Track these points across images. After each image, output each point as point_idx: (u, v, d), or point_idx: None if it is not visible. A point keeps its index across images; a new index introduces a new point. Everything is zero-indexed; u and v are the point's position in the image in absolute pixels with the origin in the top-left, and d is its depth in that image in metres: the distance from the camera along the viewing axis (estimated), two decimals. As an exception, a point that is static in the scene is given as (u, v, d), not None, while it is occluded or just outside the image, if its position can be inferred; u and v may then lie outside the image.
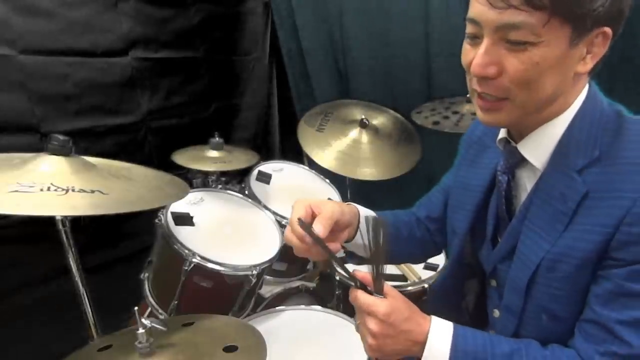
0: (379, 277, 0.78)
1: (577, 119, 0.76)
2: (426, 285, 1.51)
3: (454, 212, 1.00)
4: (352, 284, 0.82)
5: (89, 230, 1.66)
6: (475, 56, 0.72)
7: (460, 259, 1.00)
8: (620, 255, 0.68)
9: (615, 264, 0.69)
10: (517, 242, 0.82)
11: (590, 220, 0.71)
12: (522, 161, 0.82)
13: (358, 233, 0.97)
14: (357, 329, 0.81)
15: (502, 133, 0.87)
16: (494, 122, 0.78)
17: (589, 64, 0.72)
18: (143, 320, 0.79)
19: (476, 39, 0.74)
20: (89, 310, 1.06)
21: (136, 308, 0.81)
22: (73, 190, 0.83)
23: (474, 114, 1.61)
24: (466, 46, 0.77)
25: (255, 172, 1.70)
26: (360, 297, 0.79)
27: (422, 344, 0.76)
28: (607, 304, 0.70)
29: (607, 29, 0.69)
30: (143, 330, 0.77)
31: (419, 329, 0.77)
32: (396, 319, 0.75)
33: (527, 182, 0.83)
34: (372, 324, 0.75)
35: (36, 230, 1.48)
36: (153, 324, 0.80)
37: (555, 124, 0.77)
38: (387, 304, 0.75)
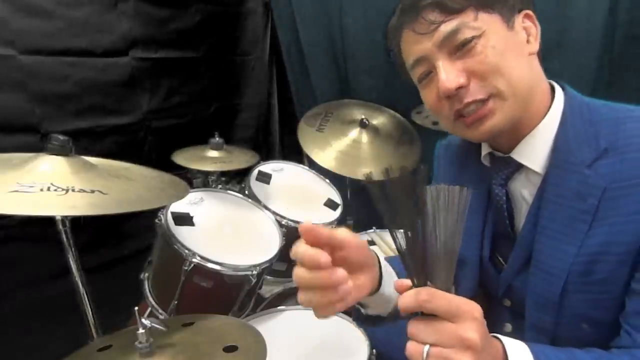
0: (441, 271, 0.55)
1: (565, 117, 0.76)
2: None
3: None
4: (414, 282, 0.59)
5: (89, 230, 1.66)
6: (438, 87, 0.74)
7: (475, 289, 0.92)
8: None
9: None
10: (530, 254, 0.78)
11: (620, 211, 0.68)
12: (514, 171, 0.81)
13: (382, 284, 0.83)
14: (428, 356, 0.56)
15: (485, 149, 0.86)
16: (492, 130, 0.75)
17: (534, 44, 0.77)
18: (143, 320, 0.79)
19: (430, 74, 0.77)
20: (89, 310, 1.06)
21: (136, 308, 0.81)
22: (73, 190, 0.83)
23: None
24: (424, 92, 0.80)
25: (255, 172, 1.70)
26: (441, 296, 0.56)
27: None
28: None
29: (529, 11, 0.76)
30: (143, 330, 0.77)
31: (496, 349, 0.62)
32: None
33: (523, 191, 0.81)
34: (471, 331, 0.54)
35: (36, 230, 1.48)
36: (153, 324, 0.80)
37: (544, 128, 0.77)
38: (476, 305, 0.57)
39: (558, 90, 0.79)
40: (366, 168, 1.85)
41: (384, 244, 1.79)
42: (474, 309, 0.56)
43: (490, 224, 0.88)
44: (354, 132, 1.94)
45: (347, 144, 1.91)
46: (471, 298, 0.58)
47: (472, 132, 0.77)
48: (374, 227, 1.91)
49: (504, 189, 0.83)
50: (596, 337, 0.73)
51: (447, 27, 0.72)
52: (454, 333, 0.54)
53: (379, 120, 1.99)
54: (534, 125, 0.77)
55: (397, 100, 2.10)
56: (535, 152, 0.77)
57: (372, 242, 1.84)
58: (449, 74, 0.72)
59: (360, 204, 2.24)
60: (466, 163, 0.94)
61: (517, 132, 0.78)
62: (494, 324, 0.88)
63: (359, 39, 2.10)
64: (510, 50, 0.72)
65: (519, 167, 0.80)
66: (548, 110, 0.77)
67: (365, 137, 1.93)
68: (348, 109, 2.02)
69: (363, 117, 1.95)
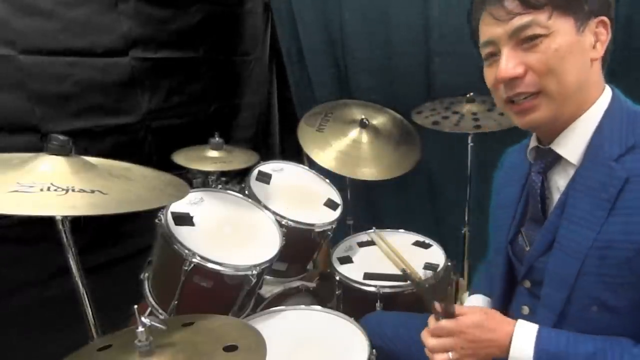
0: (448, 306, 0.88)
1: (606, 116, 0.81)
2: (426, 285, 1.51)
3: (496, 232, 1.03)
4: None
5: (89, 230, 1.66)
6: (498, 70, 0.80)
7: (505, 276, 1.00)
8: None
9: None
10: (554, 237, 0.84)
11: (638, 203, 0.73)
12: (554, 162, 0.86)
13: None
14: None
15: (533, 142, 0.92)
16: (533, 122, 0.82)
17: (600, 50, 0.80)
18: (143, 319, 0.79)
19: (494, 57, 0.83)
20: (89, 310, 1.06)
21: (135, 306, 0.81)
22: (73, 190, 0.83)
23: (475, 114, 1.66)
24: (486, 70, 0.86)
25: (255, 172, 1.70)
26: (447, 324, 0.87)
27: (507, 347, 0.80)
28: None
29: (604, 18, 0.79)
30: (142, 329, 0.77)
31: (503, 333, 0.81)
32: (478, 331, 0.83)
33: (559, 182, 0.87)
34: (472, 330, 0.83)
35: (36, 230, 1.48)
36: (153, 323, 0.80)
37: (584, 121, 0.82)
38: (468, 320, 0.84)
39: (607, 92, 0.83)
40: (366, 168, 1.85)
41: (384, 243, 1.79)
42: (468, 319, 0.84)
43: (518, 216, 0.96)
44: (354, 132, 1.94)
45: (347, 144, 1.91)
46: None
47: (518, 120, 0.84)
48: (374, 227, 1.91)
49: (540, 176, 0.89)
50: (604, 323, 0.78)
51: (521, 19, 0.77)
52: (461, 336, 0.84)
53: (379, 120, 2.00)
54: (576, 117, 0.82)
55: (397, 100, 2.10)
56: (572, 144, 0.83)
57: (372, 242, 1.84)
58: (509, 62, 0.79)
59: (360, 204, 2.25)
60: (516, 164, 1.01)
61: (559, 126, 0.84)
62: (513, 306, 0.96)
63: (359, 39, 2.11)
64: (571, 54, 0.77)
65: (558, 158, 0.85)
66: (593, 102, 0.82)
67: (365, 137, 1.93)
68: (348, 109, 2.02)
69: (363, 117, 1.95)
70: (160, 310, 1.33)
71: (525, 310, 0.92)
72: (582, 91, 0.80)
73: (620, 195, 0.74)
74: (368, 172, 1.84)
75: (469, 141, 1.83)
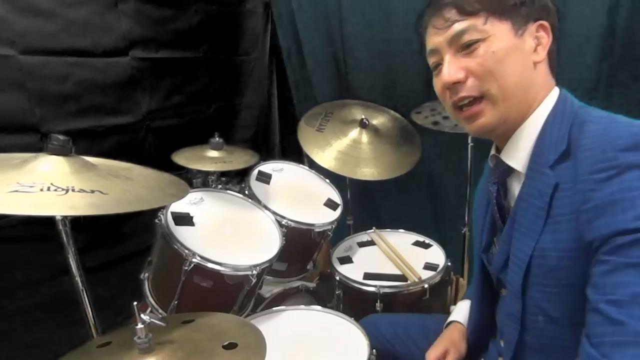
0: None
1: (548, 120, 0.80)
2: (426, 285, 1.51)
3: (474, 240, 1.06)
4: None
5: (89, 230, 1.66)
6: (440, 76, 0.82)
7: (482, 285, 1.02)
8: (591, 236, 0.67)
9: (593, 247, 0.68)
10: (509, 248, 0.84)
11: (564, 210, 0.73)
12: (509, 169, 0.86)
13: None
14: None
15: (492, 150, 0.92)
16: (481, 128, 0.83)
17: (542, 53, 0.81)
18: (142, 316, 0.79)
19: (439, 65, 0.84)
20: (89, 310, 1.06)
21: (135, 303, 0.81)
22: (73, 190, 0.83)
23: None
24: (434, 80, 0.88)
25: (255, 172, 1.70)
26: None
27: None
28: (597, 287, 0.67)
29: (544, 22, 0.81)
30: (142, 326, 0.77)
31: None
32: None
33: (516, 190, 0.86)
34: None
35: (36, 230, 1.48)
36: (152, 320, 0.80)
37: (529, 126, 0.82)
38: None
39: (553, 94, 0.83)
40: (366, 168, 1.85)
41: (384, 243, 1.79)
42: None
43: (487, 225, 0.95)
44: (354, 132, 1.94)
45: (347, 144, 1.91)
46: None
47: (468, 127, 0.85)
48: (373, 227, 1.91)
49: (496, 186, 0.89)
50: (551, 334, 0.79)
51: (458, 26, 0.79)
52: None
53: (379, 120, 2.00)
54: (523, 120, 0.82)
55: (397, 100, 2.10)
56: (518, 152, 0.83)
57: (372, 242, 1.84)
58: (450, 68, 0.81)
59: (360, 204, 2.25)
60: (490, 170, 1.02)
61: (508, 131, 0.84)
62: (498, 313, 0.98)
63: (359, 39, 2.11)
64: (510, 57, 0.78)
65: (509, 167, 0.85)
66: (539, 104, 0.82)
67: (365, 137, 1.93)
68: (348, 109, 2.02)
69: (363, 117, 1.95)
70: (161, 310, 1.33)
71: (503, 321, 0.94)
72: (526, 94, 0.80)
73: (552, 203, 0.74)
74: (368, 172, 1.84)
75: (469, 141, 1.83)
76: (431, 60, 0.88)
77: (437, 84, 0.86)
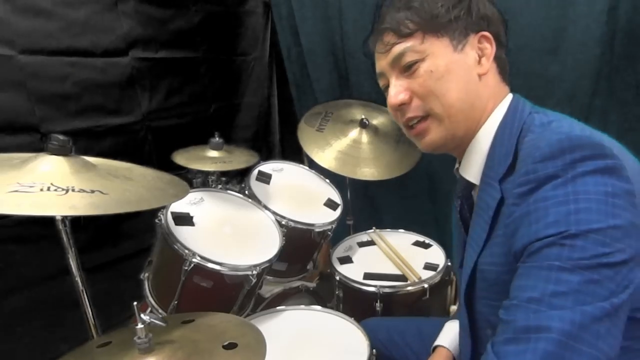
0: None
1: (499, 132, 0.80)
2: (426, 285, 1.51)
3: (453, 255, 1.06)
4: None
5: (89, 230, 1.66)
6: (388, 99, 0.84)
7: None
8: (514, 249, 0.67)
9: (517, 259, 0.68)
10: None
11: (501, 224, 0.73)
12: (471, 182, 0.86)
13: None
14: None
15: (456, 164, 0.92)
16: (430, 145, 0.85)
17: (486, 64, 0.80)
18: (142, 315, 0.79)
19: (388, 87, 0.86)
20: (89, 310, 1.06)
21: (135, 303, 0.81)
22: (73, 190, 0.83)
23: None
24: (387, 101, 0.87)
25: (255, 172, 1.70)
26: None
27: None
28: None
29: (486, 33, 0.80)
30: (142, 326, 0.77)
31: None
32: None
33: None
34: None
35: (36, 230, 1.48)
36: (152, 320, 0.80)
37: (480, 139, 0.82)
38: None
39: (504, 103, 0.82)
40: (366, 168, 1.85)
41: (384, 243, 1.79)
42: None
43: (460, 241, 0.96)
44: (354, 132, 1.94)
45: (347, 144, 1.91)
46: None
47: (418, 144, 0.87)
48: (373, 227, 1.91)
49: (459, 200, 0.91)
50: None
51: (397, 49, 0.81)
52: None
53: (379, 120, 2.00)
54: (474, 133, 0.83)
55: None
56: (473, 166, 0.84)
57: (372, 242, 1.84)
58: (394, 90, 0.83)
59: (360, 204, 2.25)
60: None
61: (462, 145, 0.84)
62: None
63: (359, 39, 2.10)
64: (451, 73, 0.79)
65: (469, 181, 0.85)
66: (488, 115, 0.82)
67: (365, 137, 1.93)
68: (348, 109, 2.02)
69: (363, 117, 1.95)
70: (161, 310, 1.33)
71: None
72: (473, 107, 0.80)
73: (496, 217, 0.74)
74: (368, 172, 1.84)
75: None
76: (381, 83, 0.89)
77: (388, 105, 0.87)
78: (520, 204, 0.67)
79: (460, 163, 0.89)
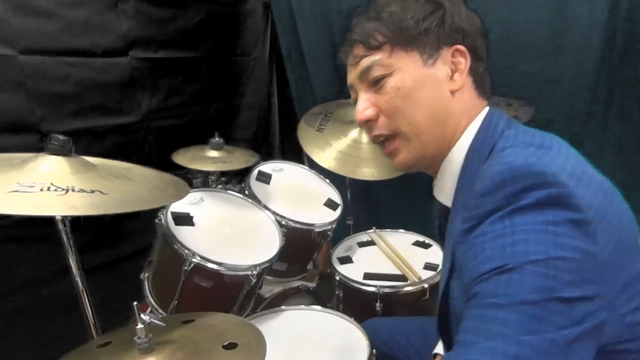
0: None
1: (469, 153, 0.75)
2: (426, 285, 1.51)
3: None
4: None
5: (89, 230, 1.66)
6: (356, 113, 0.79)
7: None
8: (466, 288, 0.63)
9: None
10: None
11: (458, 255, 0.68)
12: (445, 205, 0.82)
13: None
14: None
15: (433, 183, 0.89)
16: (404, 165, 0.80)
17: (459, 80, 0.75)
18: (142, 315, 0.79)
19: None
20: (89, 310, 1.06)
21: (135, 303, 0.81)
22: (73, 190, 0.83)
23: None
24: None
25: (255, 172, 1.70)
26: None
27: None
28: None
29: (460, 46, 0.74)
30: (142, 326, 0.77)
31: None
32: None
33: None
34: None
35: (36, 230, 1.48)
36: (152, 320, 0.80)
37: (452, 159, 0.77)
38: None
39: (476, 122, 0.76)
40: (366, 168, 1.85)
41: (384, 243, 1.79)
42: None
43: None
44: (354, 132, 1.94)
45: (347, 144, 1.91)
46: None
47: (393, 164, 0.82)
48: (373, 227, 1.91)
49: (438, 221, 0.89)
50: None
51: (365, 62, 0.77)
52: None
53: (379, 120, 1.99)
54: (446, 153, 0.78)
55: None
56: (445, 188, 0.80)
57: (372, 242, 1.84)
58: (361, 105, 0.79)
59: (360, 204, 2.25)
60: None
61: (435, 164, 0.80)
62: None
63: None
64: (419, 90, 0.74)
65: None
66: (462, 132, 0.77)
67: (365, 137, 1.93)
68: (348, 109, 2.02)
69: (363, 117, 1.95)
70: (161, 310, 1.33)
71: None
72: (444, 126, 0.75)
73: (454, 246, 0.70)
74: (368, 172, 1.84)
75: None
76: (352, 96, 0.85)
77: (356, 120, 0.83)
78: (463, 241, 0.64)
79: (434, 184, 0.84)
